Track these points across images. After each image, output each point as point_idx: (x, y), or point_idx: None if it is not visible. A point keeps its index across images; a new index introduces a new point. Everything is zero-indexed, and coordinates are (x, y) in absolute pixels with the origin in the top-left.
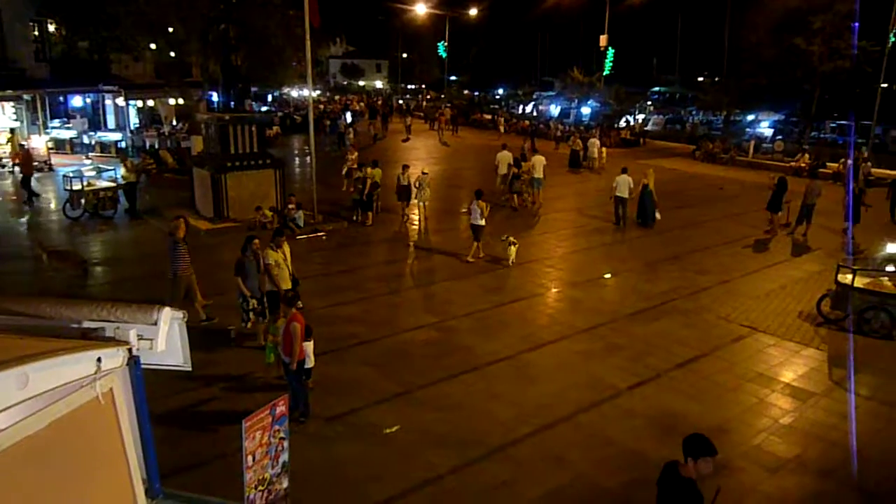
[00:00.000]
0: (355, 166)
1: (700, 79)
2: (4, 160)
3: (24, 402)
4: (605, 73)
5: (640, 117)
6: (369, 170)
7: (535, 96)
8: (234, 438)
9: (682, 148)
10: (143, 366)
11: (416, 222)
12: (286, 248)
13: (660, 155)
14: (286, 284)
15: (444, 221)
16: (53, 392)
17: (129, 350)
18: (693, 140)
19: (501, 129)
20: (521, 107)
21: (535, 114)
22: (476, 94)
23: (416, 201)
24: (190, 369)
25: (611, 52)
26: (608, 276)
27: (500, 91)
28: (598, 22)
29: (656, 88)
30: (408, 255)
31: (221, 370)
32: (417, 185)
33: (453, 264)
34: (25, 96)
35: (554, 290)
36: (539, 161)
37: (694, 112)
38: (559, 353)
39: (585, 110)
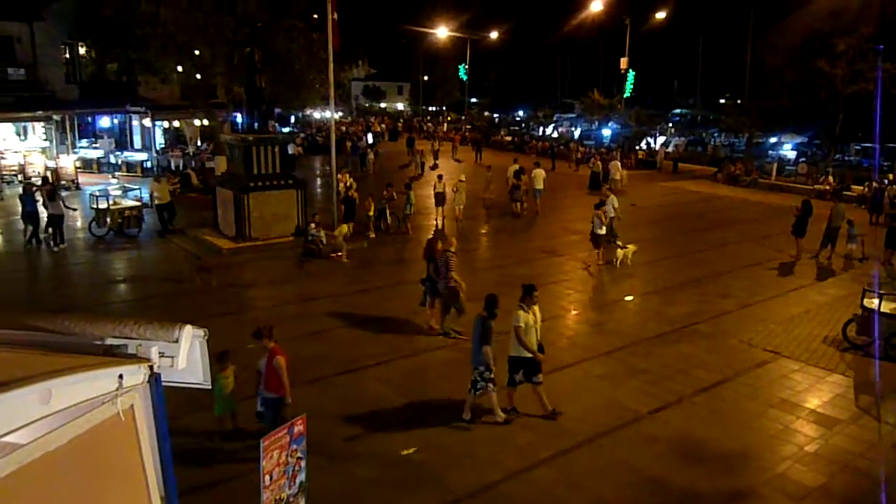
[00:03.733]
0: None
1: (722, 101)
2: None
3: (47, 417)
4: (625, 96)
5: (662, 139)
6: (411, 192)
7: (555, 118)
8: (251, 457)
9: (704, 170)
10: (163, 383)
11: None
12: (537, 309)
13: (681, 177)
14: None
15: (466, 240)
16: (75, 408)
17: (151, 367)
18: (715, 162)
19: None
20: (541, 129)
21: (556, 135)
22: (496, 116)
23: (454, 205)
24: (210, 388)
25: (631, 74)
26: (629, 298)
27: (521, 113)
28: (618, 44)
29: (677, 110)
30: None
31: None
32: (455, 191)
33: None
34: (55, 117)
35: (574, 312)
36: (539, 174)
37: (715, 134)
38: (579, 377)
39: (606, 132)
